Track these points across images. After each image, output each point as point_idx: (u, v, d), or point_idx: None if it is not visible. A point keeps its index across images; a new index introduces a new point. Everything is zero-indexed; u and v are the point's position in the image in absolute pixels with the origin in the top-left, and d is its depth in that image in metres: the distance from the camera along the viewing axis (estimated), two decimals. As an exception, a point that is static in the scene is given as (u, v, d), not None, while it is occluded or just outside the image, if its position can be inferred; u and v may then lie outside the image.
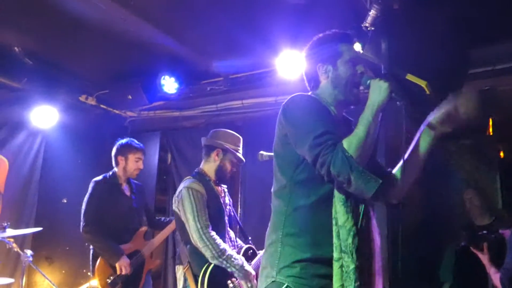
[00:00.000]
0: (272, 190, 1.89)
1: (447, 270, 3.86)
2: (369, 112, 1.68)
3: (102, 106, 5.20)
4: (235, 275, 2.90)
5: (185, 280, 3.00)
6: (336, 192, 1.67)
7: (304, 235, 1.69)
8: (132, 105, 5.16)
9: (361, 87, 1.88)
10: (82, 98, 5.04)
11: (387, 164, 2.02)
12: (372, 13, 1.92)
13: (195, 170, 3.23)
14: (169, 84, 4.57)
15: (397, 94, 1.70)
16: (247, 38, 3.69)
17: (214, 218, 3.02)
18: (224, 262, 2.85)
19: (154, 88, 4.56)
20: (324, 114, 1.77)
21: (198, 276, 2.87)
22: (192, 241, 2.91)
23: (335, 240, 1.62)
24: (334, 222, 1.64)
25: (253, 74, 4.47)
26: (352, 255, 1.59)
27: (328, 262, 1.64)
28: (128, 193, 3.92)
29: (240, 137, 3.31)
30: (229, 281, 2.89)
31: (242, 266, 2.90)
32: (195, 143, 5.36)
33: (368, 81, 1.77)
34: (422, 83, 1.84)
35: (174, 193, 5.24)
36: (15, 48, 4.15)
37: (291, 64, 3.92)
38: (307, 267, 1.66)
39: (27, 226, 4.60)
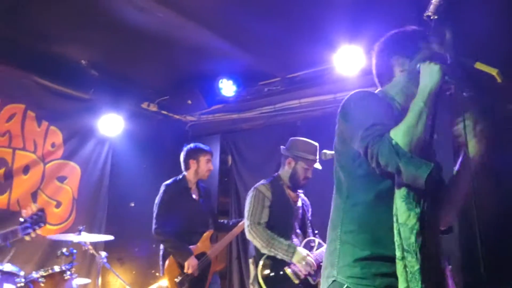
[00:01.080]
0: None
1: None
2: (420, 97, 1.59)
3: (163, 112, 5.37)
4: (288, 260, 3.12)
5: (253, 271, 3.24)
6: (396, 188, 1.60)
7: (364, 232, 1.64)
8: (192, 110, 5.29)
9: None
10: (144, 105, 5.23)
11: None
12: (435, 1, 1.82)
13: (273, 175, 3.49)
14: (227, 87, 4.64)
15: (452, 77, 1.61)
16: (303, 36, 3.66)
17: (280, 219, 3.28)
18: (272, 250, 3.13)
19: (212, 92, 4.65)
20: (381, 108, 1.70)
21: (257, 268, 3.18)
22: (246, 236, 3.26)
23: (396, 238, 1.56)
24: (395, 219, 1.57)
25: (310, 73, 4.43)
26: (416, 255, 1.52)
27: (390, 259, 1.57)
28: (196, 197, 4.02)
29: (316, 144, 3.43)
30: (286, 268, 3.13)
31: (288, 249, 3.11)
32: (254, 145, 5.41)
33: (418, 65, 1.68)
34: (493, 71, 1.71)
35: (236, 194, 5.41)
36: (82, 61, 4.39)
37: (349, 60, 3.84)
38: (368, 266, 1.60)
39: (99, 229, 4.83)
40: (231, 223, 4.22)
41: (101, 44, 4.13)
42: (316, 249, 3.31)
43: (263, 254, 3.18)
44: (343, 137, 1.74)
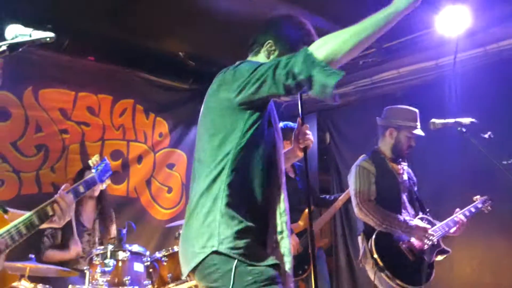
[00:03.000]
0: None
1: None
2: (376, 14, 1.50)
3: (258, 95, 5.45)
4: (405, 235, 3.01)
5: (364, 247, 3.16)
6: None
7: None
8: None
9: None
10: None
11: None
12: None
13: (372, 149, 3.34)
14: (321, 64, 4.55)
15: None
16: None
17: (386, 194, 3.14)
18: (388, 227, 3.00)
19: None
20: None
21: (368, 244, 3.08)
22: (356, 214, 3.13)
23: None
24: None
25: (409, 39, 4.16)
26: None
27: None
28: (292, 175, 4.05)
29: (416, 110, 3.27)
30: (400, 244, 3.02)
31: (406, 224, 2.98)
32: (352, 120, 5.29)
33: None
34: None
35: (337, 171, 5.35)
36: (180, 53, 4.60)
37: (453, 21, 3.55)
38: None
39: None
40: (332, 198, 4.19)
41: (195, 35, 4.29)
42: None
43: (374, 230, 3.07)
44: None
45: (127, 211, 4.56)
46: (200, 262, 1.51)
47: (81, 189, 2.18)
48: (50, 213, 1.98)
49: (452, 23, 3.59)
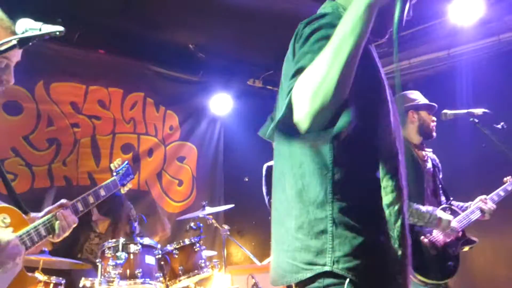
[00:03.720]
0: None
1: None
2: (347, 16, 1.09)
3: (268, 87, 5.43)
4: (428, 227, 2.88)
5: None
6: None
7: None
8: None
9: None
10: (250, 82, 5.34)
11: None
12: None
13: None
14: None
15: None
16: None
17: (410, 183, 2.97)
18: (411, 217, 2.85)
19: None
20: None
21: None
22: None
23: None
24: None
25: (420, 29, 4.11)
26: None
27: None
28: None
29: (415, 91, 3.22)
30: (422, 238, 2.88)
31: (430, 216, 2.85)
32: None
33: None
34: None
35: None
36: (190, 45, 4.59)
37: (466, 10, 3.49)
38: None
39: (218, 204, 5.11)
40: None
41: (206, 27, 4.27)
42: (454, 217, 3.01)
43: None
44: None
45: (138, 204, 4.58)
46: (303, 280, 1.24)
47: (91, 199, 2.13)
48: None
49: (465, 12, 3.53)
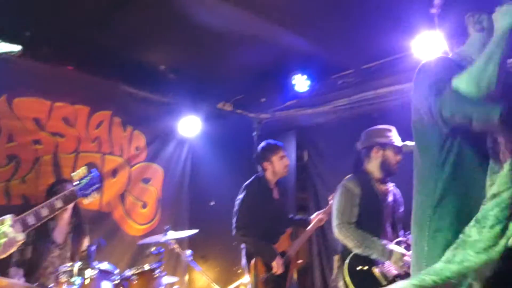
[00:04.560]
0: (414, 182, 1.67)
1: None
2: (492, 40, 1.42)
3: (238, 111, 5.46)
4: (381, 259, 2.99)
5: (338, 268, 3.16)
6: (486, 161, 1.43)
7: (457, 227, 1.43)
8: (267, 107, 5.32)
9: None
10: (220, 105, 5.35)
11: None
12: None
13: (359, 169, 3.35)
14: (301, 83, 4.60)
15: None
16: (379, 25, 3.52)
17: (368, 216, 3.15)
18: (366, 249, 2.99)
19: (286, 88, 4.65)
20: (448, 68, 1.53)
21: (342, 265, 3.08)
22: (334, 235, 3.13)
23: (498, 212, 1.34)
24: (492, 196, 1.38)
25: (386, 61, 4.25)
26: None
27: None
28: (277, 196, 4.01)
29: (392, 127, 3.32)
30: (374, 268, 3.00)
31: (384, 249, 2.97)
32: (330, 139, 5.33)
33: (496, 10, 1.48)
34: None
35: (314, 190, 5.36)
36: (161, 66, 4.58)
37: (429, 46, 3.64)
38: None
39: (182, 228, 5.00)
40: (310, 219, 4.18)
41: (177, 48, 4.28)
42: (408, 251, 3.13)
43: (351, 252, 3.08)
44: (419, 114, 1.60)
45: (99, 226, 4.45)
46: None
47: (44, 212, 2.01)
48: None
49: (427, 48, 3.68)
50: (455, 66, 1.55)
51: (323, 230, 4.95)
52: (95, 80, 4.57)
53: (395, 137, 3.25)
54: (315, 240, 5.19)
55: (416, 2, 3.29)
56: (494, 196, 1.36)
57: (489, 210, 1.34)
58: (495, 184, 1.38)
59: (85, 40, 3.99)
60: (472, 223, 1.36)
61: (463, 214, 1.45)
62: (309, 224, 4.05)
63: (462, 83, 1.39)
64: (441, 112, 1.42)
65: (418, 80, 1.62)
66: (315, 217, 4.02)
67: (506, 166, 1.38)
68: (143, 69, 4.58)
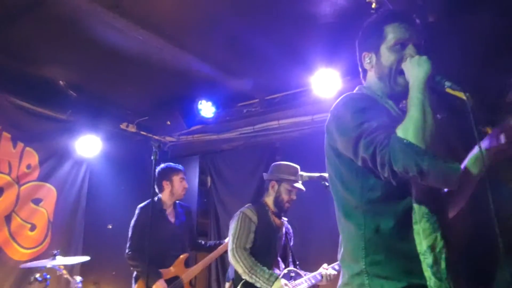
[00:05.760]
0: (336, 212, 1.62)
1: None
2: (415, 89, 1.43)
3: (142, 133, 5.35)
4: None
5: None
6: (416, 205, 1.41)
7: (393, 260, 1.42)
8: (171, 131, 5.28)
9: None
10: (123, 126, 5.20)
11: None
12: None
13: (259, 200, 3.46)
14: (206, 109, 4.66)
15: (439, 73, 1.50)
16: (281, 60, 3.73)
17: (262, 245, 3.26)
18: (254, 277, 3.09)
19: (192, 113, 4.67)
20: (374, 108, 1.51)
21: None
22: (228, 259, 3.19)
23: (428, 264, 1.38)
24: (421, 242, 1.40)
25: (289, 94, 4.50)
26: (449, 284, 1.37)
27: None
28: (172, 219, 3.94)
29: (298, 166, 3.40)
30: None
31: (269, 278, 3.07)
32: (233, 165, 5.42)
33: (403, 63, 1.55)
34: (462, 95, 1.72)
35: (215, 215, 5.38)
36: (60, 82, 4.36)
37: (326, 83, 3.92)
38: None
39: (75, 252, 4.73)
40: (208, 245, 4.17)
41: (79, 65, 4.11)
42: (295, 280, 3.27)
43: (242, 279, 3.14)
44: (338, 153, 1.53)
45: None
46: None
47: None
48: None
49: (325, 85, 3.97)
50: (378, 103, 1.59)
51: (221, 256, 4.96)
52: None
53: (294, 176, 3.36)
54: (214, 265, 5.18)
55: (314, 40, 3.55)
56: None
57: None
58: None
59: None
60: None
61: (399, 248, 1.45)
62: (209, 250, 4.04)
63: (409, 134, 1.34)
64: (392, 165, 1.33)
65: (343, 116, 1.52)
66: (219, 249, 4.00)
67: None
68: (39, 84, 4.32)
